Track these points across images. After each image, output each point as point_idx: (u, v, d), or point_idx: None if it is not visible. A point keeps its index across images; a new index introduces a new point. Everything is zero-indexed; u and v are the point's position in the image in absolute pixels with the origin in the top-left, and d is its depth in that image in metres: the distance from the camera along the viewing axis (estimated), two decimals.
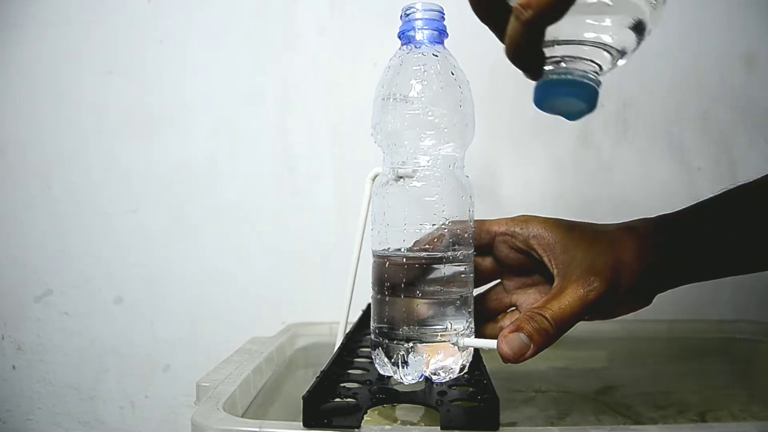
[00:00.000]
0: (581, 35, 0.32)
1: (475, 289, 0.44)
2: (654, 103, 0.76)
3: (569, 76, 0.32)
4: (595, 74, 0.32)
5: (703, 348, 0.68)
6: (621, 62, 0.33)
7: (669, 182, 0.76)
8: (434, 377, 0.39)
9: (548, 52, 0.32)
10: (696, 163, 0.77)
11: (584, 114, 0.33)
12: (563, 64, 0.32)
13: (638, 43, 0.32)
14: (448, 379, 0.40)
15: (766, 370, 0.63)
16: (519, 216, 0.44)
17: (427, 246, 0.39)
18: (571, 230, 0.41)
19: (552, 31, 0.29)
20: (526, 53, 0.30)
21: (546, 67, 0.33)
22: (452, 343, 0.39)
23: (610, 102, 0.76)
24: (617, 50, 0.32)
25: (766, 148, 0.76)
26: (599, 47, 0.32)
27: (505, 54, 0.30)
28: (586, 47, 0.32)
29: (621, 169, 0.76)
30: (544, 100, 0.33)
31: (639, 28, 0.32)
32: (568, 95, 0.32)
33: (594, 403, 0.53)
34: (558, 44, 0.32)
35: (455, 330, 0.39)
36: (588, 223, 0.43)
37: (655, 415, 0.50)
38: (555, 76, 0.32)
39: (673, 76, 0.76)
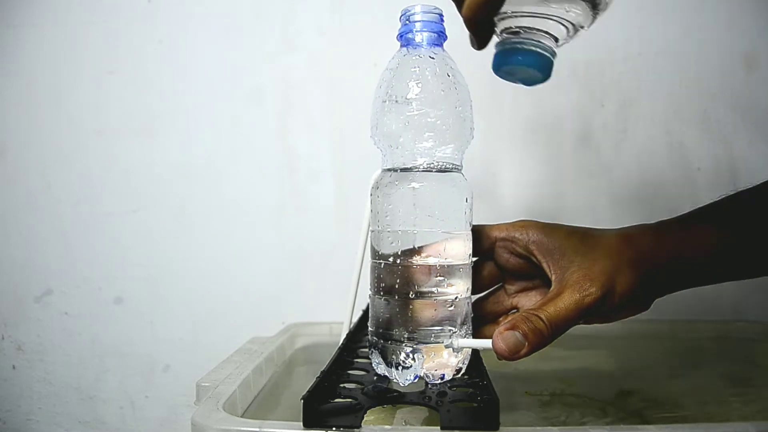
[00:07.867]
0: (540, 8, 0.34)
1: (476, 294, 0.44)
2: (654, 103, 0.76)
3: (527, 46, 0.34)
4: (551, 46, 0.35)
5: (703, 348, 0.68)
6: (576, 36, 0.36)
7: (669, 182, 0.76)
8: (429, 379, 0.39)
9: (507, 23, 0.34)
10: (696, 163, 0.76)
11: (539, 83, 0.36)
12: (521, 34, 0.35)
13: (594, 18, 0.35)
14: (443, 380, 0.39)
15: (765, 370, 0.63)
16: (519, 221, 0.44)
17: (424, 248, 0.39)
18: (570, 236, 0.41)
19: (512, 2, 0.32)
20: (485, 19, 0.32)
21: (503, 35, 0.35)
22: (447, 345, 0.39)
23: (610, 102, 0.76)
24: (573, 25, 0.35)
25: (766, 148, 0.76)
26: (556, 21, 0.34)
27: (463, 18, 0.32)
28: (544, 20, 0.34)
29: (621, 169, 0.76)
30: (502, 65, 0.36)
31: (595, 4, 0.34)
32: (525, 64, 0.35)
33: (598, 403, 0.53)
34: (517, 16, 0.34)
35: (451, 331, 0.39)
36: (587, 228, 0.43)
37: (655, 415, 0.50)
38: (513, 45, 0.35)
39: (673, 76, 0.76)
